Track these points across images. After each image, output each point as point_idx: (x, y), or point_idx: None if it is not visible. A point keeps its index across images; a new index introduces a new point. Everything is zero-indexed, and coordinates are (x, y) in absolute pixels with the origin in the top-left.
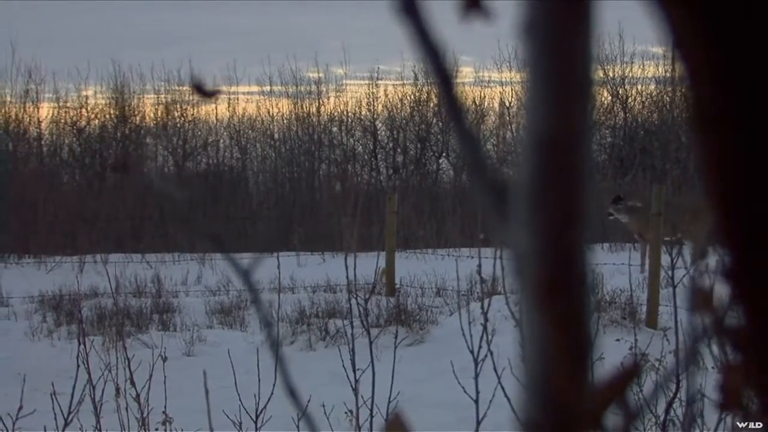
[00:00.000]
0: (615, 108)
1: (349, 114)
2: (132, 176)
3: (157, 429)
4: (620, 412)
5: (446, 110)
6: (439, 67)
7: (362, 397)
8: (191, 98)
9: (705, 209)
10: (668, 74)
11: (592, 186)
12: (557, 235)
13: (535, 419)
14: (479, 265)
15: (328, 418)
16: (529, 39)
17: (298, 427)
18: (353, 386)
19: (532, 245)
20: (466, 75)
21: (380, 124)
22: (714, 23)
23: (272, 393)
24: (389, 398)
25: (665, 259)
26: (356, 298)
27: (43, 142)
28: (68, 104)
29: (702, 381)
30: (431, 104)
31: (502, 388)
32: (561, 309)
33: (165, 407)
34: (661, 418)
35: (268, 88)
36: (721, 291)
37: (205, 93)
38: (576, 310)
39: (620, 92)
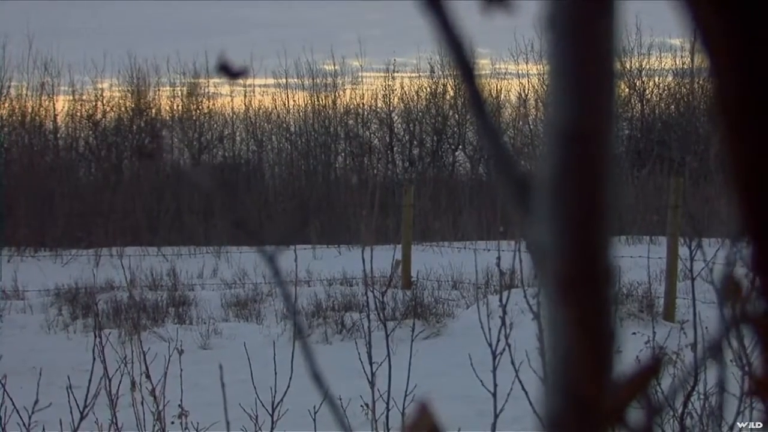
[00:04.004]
0: (632, 100)
1: (365, 107)
2: (156, 163)
3: (172, 423)
4: (642, 407)
5: (468, 103)
6: (461, 59)
7: (378, 390)
8: (207, 89)
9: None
10: (686, 65)
11: (615, 179)
12: (581, 229)
13: (557, 415)
14: (498, 258)
15: (344, 411)
16: (552, 31)
17: (314, 419)
18: (370, 379)
19: (555, 239)
20: (482, 67)
21: (396, 117)
22: (738, 10)
23: (288, 386)
24: (406, 392)
25: (683, 252)
26: (372, 291)
27: (58, 135)
28: (84, 97)
29: (721, 374)
30: (447, 97)
31: (520, 382)
32: (583, 304)
33: (181, 401)
34: (679, 411)
35: (284, 80)
36: (744, 281)
37: (232, 73)
38: (599, 305)
39: (638, 84)
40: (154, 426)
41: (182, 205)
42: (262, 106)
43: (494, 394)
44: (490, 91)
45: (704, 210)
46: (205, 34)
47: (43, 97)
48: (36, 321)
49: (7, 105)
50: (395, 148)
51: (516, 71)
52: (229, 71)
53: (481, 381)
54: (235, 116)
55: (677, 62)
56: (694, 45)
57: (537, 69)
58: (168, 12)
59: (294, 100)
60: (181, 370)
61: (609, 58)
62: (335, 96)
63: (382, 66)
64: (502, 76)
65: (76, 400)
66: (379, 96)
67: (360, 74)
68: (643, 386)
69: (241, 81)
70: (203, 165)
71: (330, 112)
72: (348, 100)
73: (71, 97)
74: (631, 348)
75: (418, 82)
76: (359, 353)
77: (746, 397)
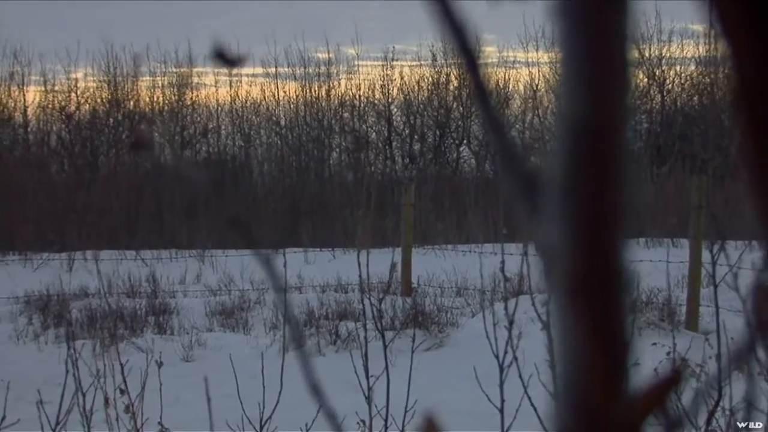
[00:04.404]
0: (651, 91)
1: (362, 98)
2: (150, 155)
3: None
4: (660, 423)
5: (473, 94)
6: (465, 46)
7: (376, 406)
8: (191, 79)
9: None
10: (709, 54)
11: (630, 176)
12: (592, 230)
13: (568, 430)
14: (502, 262)
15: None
16: (562, 17)
17: None
18: (366, 394)
19: (564, 240)
20: (488, 55)
21: (395, 109)
22: None
23: (278, 401)
24: (405, 408)
25: (707, 255)
26: (369, 299)
27: (29, 129)
28: (56, 88)
29: (748, 388)
30: (451, 87)
31: (528, 397)
32: (595, 310)
33: (161, 417)
34: (702, 430)
35: (273, 70)
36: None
37: (229, 60)
38: (612, 311)
39: (657, 74)
40: None
41: (163, 204)
42: (250, 98)
43: (501, 410)
44: (497, 81)
45: (728, 210)
46: (188, 21)
47: (12, 88)
48: (4, 331)
49: None
50: (394, 143)
51: (525, 59)
52: (226, 59)
53: (487, 396)
54: (220, 108)
55: (700, 50)
56: (713, 32)
57: (548, 57)
58: None
59: (284, 91)
60: (161, 383)
61: (623, 46)
62: (329, 87)
63: (379, 54)
64: (510, 64)
65: (47, 416)
66: (377, 86)
67: (356, 63)
68: (661, 400)
69: (235, 69)
70: (187, 160)
71: (323, 104)
72: (343, 91)
73: (43, 88)
74: (651, 360)
75: (418, 72)
76: (355, 366)
77: None
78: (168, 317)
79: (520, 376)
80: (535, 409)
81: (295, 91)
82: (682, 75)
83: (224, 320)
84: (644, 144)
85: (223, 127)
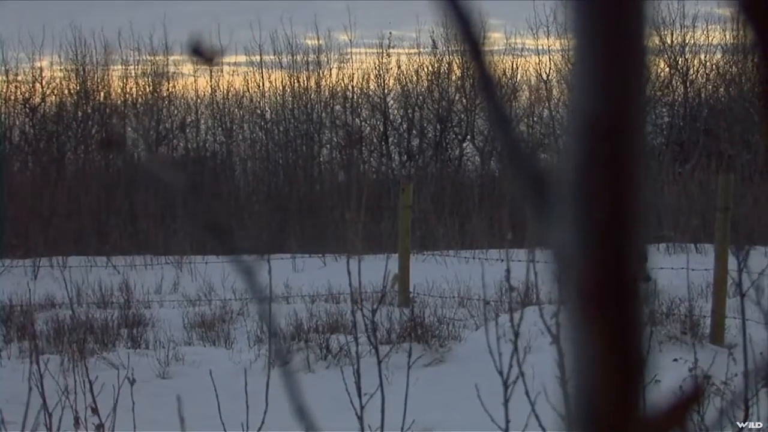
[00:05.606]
0: (673, 81)
1: (355, 89)
2: (120, 154)
3: None
4: None
5: (477, 84)
6: (469, 33)
7: (370, 427)
8: (167, 68)
9: None
10: (737, 41)
11: (648, 176)
12: (607, 235)
13: None
14: (507, 270)
15: None
16: (575, 3)
17: None
18: (359, 414)
19: (577, 246)
20: (495, 42)
21: (392, 101)
22: None
23: (263, 422)
24: (402, 428)
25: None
26: (361, 310)
27: None
28: (19, 78)
29: None
30: (453, 77)
31: (536, 417)
32: (610, 321)
33: None
34: None
35: (258, 57)
36: None
37: (205, 57)
38: (628, 323)
39: (680, 62)
40: None
41: (137, 206)
42: (232, 89)
43: (506, 431)
44: (504, 70)
45: (758, 212)
46: (164, 3)
47: None
48: None
49: None
50: (391, 139)
51: (535, 47)
52: (202, 55)
53: (491, 416)
54: (199, 101)
55: (727, 36)
56: (741, 17)
57: (560, 44)
58: None
59: (270, 81)
60: (134, 402)
61: (642, 32)
62: (319, 76)
63: (374, 40)
64: (518, 52)
65: None
66: (372, 76)
67: (349, 50)
68: (680, 419)
69: (213, 66)
70: (164, 157)
71: (313, 95)
72: (334, 82)
73: (4, 78)
74: (673, 376)
75: (417, 60)
76: (347, 383)
77: None
78: (142, 330)
79: (527, 394)
80: (543, 430)
81: (282, 82)
82: (708, 64)
83: (204, 333)
84: (665, 140)
85: (202, 121)
